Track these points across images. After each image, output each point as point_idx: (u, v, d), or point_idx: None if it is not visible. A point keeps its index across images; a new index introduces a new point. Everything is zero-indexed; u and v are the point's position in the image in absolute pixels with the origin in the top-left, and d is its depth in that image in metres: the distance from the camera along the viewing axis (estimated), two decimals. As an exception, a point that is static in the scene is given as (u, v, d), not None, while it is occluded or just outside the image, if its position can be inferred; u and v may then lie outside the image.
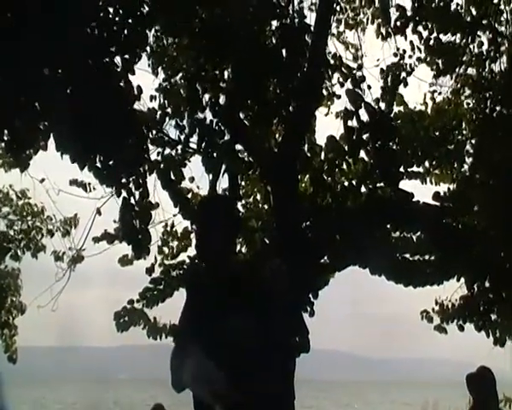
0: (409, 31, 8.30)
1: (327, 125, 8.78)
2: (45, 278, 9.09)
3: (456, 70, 8.50)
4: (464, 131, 8.58)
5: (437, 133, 8.41)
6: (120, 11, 6.32)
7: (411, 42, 8.37)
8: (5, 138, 6.49)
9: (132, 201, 7.44)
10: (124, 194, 7.38)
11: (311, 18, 7.84)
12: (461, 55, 8.48)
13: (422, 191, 8.61)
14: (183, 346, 3.03)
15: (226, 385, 2.85)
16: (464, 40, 8.47)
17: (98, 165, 6.88)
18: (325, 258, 8.33)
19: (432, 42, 8.29)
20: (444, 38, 8.34)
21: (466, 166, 8.54)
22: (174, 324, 8.19)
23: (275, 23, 7.50)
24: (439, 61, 8.40)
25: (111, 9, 6.33)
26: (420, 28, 8.24)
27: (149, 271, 8.62)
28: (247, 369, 2.97)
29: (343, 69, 8.08)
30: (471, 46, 8.51)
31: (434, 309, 9.09)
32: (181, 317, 3.27)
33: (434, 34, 8.26)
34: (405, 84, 8.33)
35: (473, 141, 8.54)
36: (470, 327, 9.02)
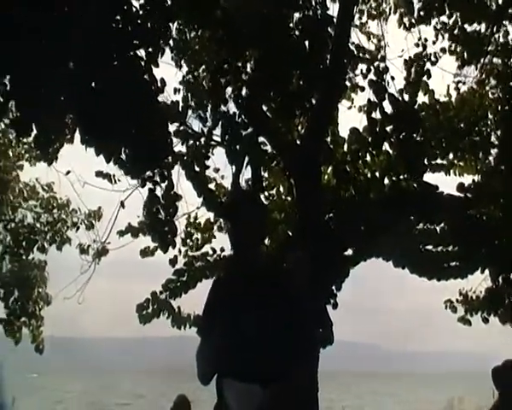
0: (432, 20, 8.20)
1: (350, 117, 8.75)
2: (71, 270, 9.22)
3: (481, 60, 8.39)
4: (489, 122, 8.47)
5: (461, 125, 8.32)
6: (144, 5, 6.35)
7: (435, 27, 8.27)
8: (33, 133, 6.58)
9: (158, 193, 7.51)
10: (149, 186, 7.44)
11: (333, 9, 7.81)
12: (486, 44, 8.36)
13: (446, 182, 8.54)
14: (209, 339, 3.07)
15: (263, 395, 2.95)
16: (489, 30, 8.36)
17: (123, 157, 6.94)
18: (348, 250, 8.30)
19: (456, 31, 8.19)
20: (468, 27, 8.24)
21: (490, 158, 8.45)
22: (198, 314, 8.26)
23: (297, 15, 7.46)
24: (464, 51, 8.30)
25: (135, 3, 6.37)
26: (444, 18, 8.15)
27: (173, 262, 8.69)
28: (272, 359, 2.99)
29: (366, 60, 8.02)
30: (496, 36, 8.40)
31: (458, 300, 9.04)
32: (205, 311, 3.29)
33: (459, 24, 8.16)
34: (429, 76, 8.24)
35: (498, 132, 8.43)
36: (495, 319, 8.96)
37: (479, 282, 8.98)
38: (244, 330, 3.01)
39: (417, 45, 8.19)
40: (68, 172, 8.95)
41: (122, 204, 8.22)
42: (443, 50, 8.31)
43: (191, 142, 7.88)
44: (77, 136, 6.79)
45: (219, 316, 3.10)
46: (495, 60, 8.51)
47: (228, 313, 3.07)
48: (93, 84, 6.49)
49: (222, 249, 8.71)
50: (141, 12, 6.31)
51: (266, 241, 8.55)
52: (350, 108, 8.65)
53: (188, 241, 8.97)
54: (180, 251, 8.78)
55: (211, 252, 8.89)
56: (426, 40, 8.23)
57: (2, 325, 10.64)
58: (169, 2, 6.49)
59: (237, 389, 3.03)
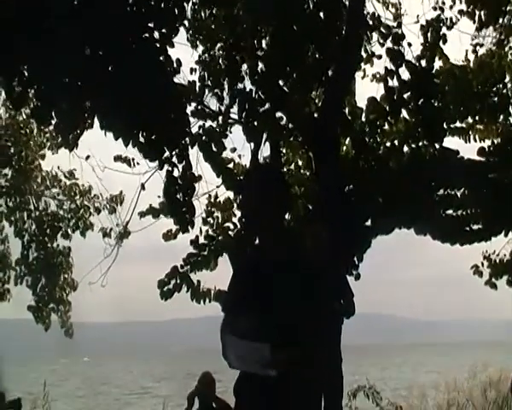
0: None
1: (367, 87, 8.69)
2: (94, 255, 9.33)
3: (500, 20, 8.26)
4: (509, 84, 8.36)
5: (480, 87, 8.22)
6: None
7: None
8: (53, 121, 6.64)
9: (176, 174, 7.54)
10: (167, 167, 7.47)
11: (348, -21, 7.68)
12: (504, 4, 8.22)
13: (467, 148, 8.49)
14: (231, 321, 3.10)
15: (271, 355, 2.91)
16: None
17: (141, 140, 6.98)
18: (369, 221, 8.29)
19: (474, -8, 8.05)
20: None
21: (511, 119, 8.36)
22: (219, 289, 8.31)
23: (311, -14, 7.39)
24: (481, 13, 8.17)
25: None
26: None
27: (194, 242, 8.71)
28: (295, 334, 3.00)
29: (382, 29, 7.94)
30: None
31: (483, 263, 9.04)
32: (228, 291, 3.31)
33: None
34: (444, 41, 8.13)
35: (518, 93, 8.32)
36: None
37: (502, 245, 8.98)
38: (266, 311, 3.01)
39: (435, 9, 8.06)
40: (88, 157, 9.03)
41: (143, 186, 8.26)
42: (460, 12, 8.18)
43: (209, 122, 7.89)
44: (96, 121, 6.83)
45: (242, 299, 3.11)
46: (514, 20, 8.37)
47: (250, 295, 3.09)
48: (109, 69, 6.52)
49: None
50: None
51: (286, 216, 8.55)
52: (363, 77, 8.57)
53: (209, 219, 8.97)
54: (201, 231, 8.81)
55: (232, 226, 8.89)
56: (443, 3, 8.09)
57: (31, 311, 10.84)
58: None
59: (242, 345, 2.98)
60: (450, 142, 8.26)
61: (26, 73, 6.29)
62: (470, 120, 8.27)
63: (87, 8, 6.06)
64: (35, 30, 5.88)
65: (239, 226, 8.62)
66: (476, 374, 11.89)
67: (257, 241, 3.34)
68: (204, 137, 7.85)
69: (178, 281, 8.43)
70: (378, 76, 8.14)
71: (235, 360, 3.02)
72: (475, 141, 8.39)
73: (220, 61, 7.60)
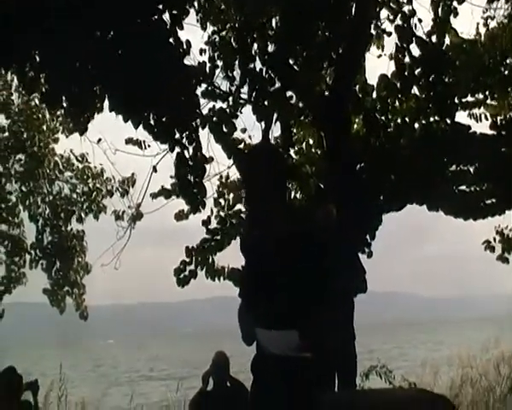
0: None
1: (377, 63, 8.62)
2: (107, 237, 9.39)
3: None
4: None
5: (491, 61, 8.14)
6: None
7: None
8: (64, 105, 6.67)
9: (186, 155, 7.56)
10: (178, 149, 7.49)
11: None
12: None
13: (479, 125, 8.42)
14: (249, 302, 3.14)
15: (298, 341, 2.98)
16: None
17: (152, 122, 6.99)
18: (380, 197, 8.29)
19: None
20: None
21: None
22: (232, 267, 8.38)
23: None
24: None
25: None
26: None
27: (206, 223, 8.77)
28: (308, 313, 3.02)
29: (392, 4, 7.87)
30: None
31: (496, 239, 9.01)
32: (243, 273, 3.33)
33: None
34: (455, 14, 8.05)
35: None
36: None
37: (515, 219, 8.94)
38: (275, 284, 3.04)
39: None
40: (99, 140, 9.08)
41: (154, 169, 8.31)
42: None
43: (219, 103, 7.89)
44: (106, 104, 6.85)
45: (255, 280, 3.13)
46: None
47: (262, 276, 3.10)
48: (119, 52, 6.53)
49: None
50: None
51: (298, 195, 8.59)
52: (380, 56, 8.49)
53: (220, 200, 9.01)
54: (212, 212, 8.85)
55: (243, 209, 8.92)
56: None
57: (47, 295, 10.96)
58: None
59: (270, 335, 3.04)
60: (462, 119, 8.22)
61: (38, 58, 6.32)
62: (481, 96, 8.20)
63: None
64: (46, 15, 5.89)
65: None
66: (489, 350, 11.90)
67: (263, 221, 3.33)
68: (214, 118, 7.87)
69: (193, 267, 8.53)
70: (394, 54, 8.06)
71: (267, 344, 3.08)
72: (486, 119, 8.31)
73: (230, 41, 7.58)
